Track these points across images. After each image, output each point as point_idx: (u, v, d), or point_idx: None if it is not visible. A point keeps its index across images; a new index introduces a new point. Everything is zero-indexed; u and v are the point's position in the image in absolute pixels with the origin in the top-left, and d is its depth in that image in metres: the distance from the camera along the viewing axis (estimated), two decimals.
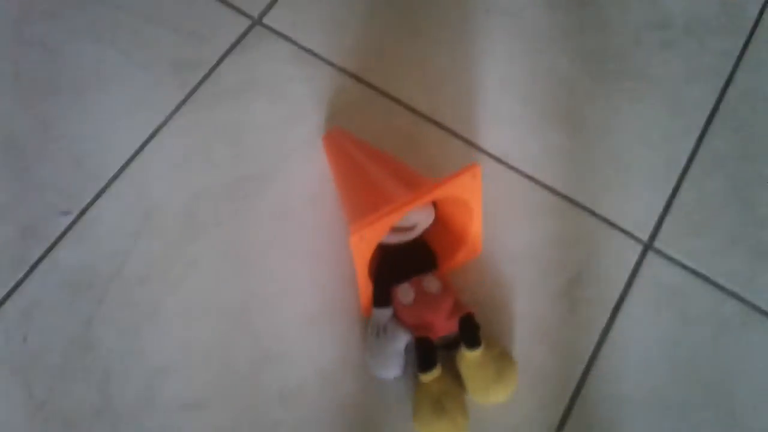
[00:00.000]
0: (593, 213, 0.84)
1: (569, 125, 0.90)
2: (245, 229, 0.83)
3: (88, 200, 0.84)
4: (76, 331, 0.77)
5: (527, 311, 0.79)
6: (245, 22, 0.95)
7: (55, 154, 0.87)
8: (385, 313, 0.74)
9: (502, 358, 0.73)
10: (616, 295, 0.80)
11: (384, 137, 0.87)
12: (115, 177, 0.85)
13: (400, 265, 0.76)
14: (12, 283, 0.80)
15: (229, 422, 0.74)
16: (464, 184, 0.71)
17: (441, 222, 0.79)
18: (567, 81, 0.92)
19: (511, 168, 0.87)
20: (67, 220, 0.83)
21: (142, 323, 0.78)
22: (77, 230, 0.82)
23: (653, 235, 0.83)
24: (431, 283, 0.74)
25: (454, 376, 0.73)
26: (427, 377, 0.72)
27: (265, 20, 0.95)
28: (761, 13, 0.97)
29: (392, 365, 0.73)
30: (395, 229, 0.75)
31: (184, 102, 0.90)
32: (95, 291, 0.79)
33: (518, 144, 0.88)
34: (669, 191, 0.85)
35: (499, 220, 0.82)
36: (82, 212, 0.83)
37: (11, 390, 0.75)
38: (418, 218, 0.77)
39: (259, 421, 0.74)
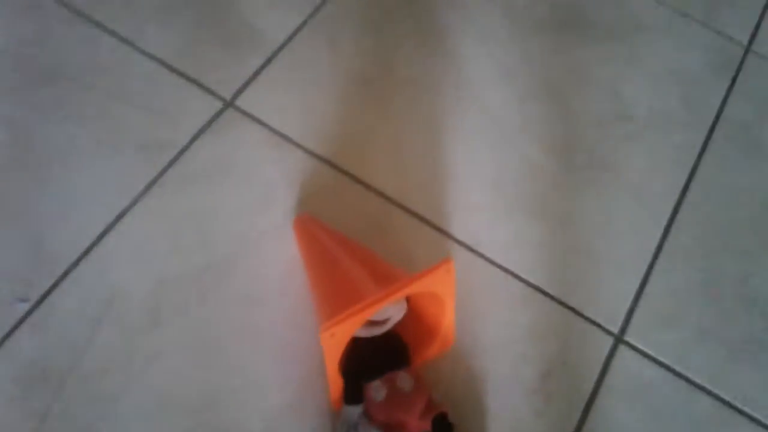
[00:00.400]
0: (565, 304, 0.84)
1: (539, 214, 0.90)
2: (211, 319, 0.80)
3: (47, 287, 0.80)
4: (28, 430, 0.73)
5: (500, 406, 0.77)
6: (217, 104, 0.94)
7: (14, 236, 0.83)
8: (355, 411, 0.72)
9: None
10: (588, 390, 0.79)
11: (354, 222, 0.86)
12: (77, 262, 0.82)
13: (371, 360, 0.74)
14: None
15: None
16: (438, 279, 0.70)
17: (413, 313, 0.78)
18: (536, 170, 0.94)
19: (482, 257, 0.87)
20: (24, 308, 0.79)
21: (99, 421, 0.74)
22: (34, 319, 0.78)
23: (624, 328, 0.83)
24: (404, 380, 0.73)
25: None
26: None
27: (238, 102, 0.95)
28: (722, 106, 1.01)
29: None
30: (367, 323, 0.73)
31: (151, 184, 0.88)
32: (50, 386, 0.75)
33: (489, 232, 0.88)
34: (638, 283, 0.86)
35: (471, 311, 0.81)
36: (41, 300, 0.79)
37: None
38: (391, 312, 0.75)
39: None
